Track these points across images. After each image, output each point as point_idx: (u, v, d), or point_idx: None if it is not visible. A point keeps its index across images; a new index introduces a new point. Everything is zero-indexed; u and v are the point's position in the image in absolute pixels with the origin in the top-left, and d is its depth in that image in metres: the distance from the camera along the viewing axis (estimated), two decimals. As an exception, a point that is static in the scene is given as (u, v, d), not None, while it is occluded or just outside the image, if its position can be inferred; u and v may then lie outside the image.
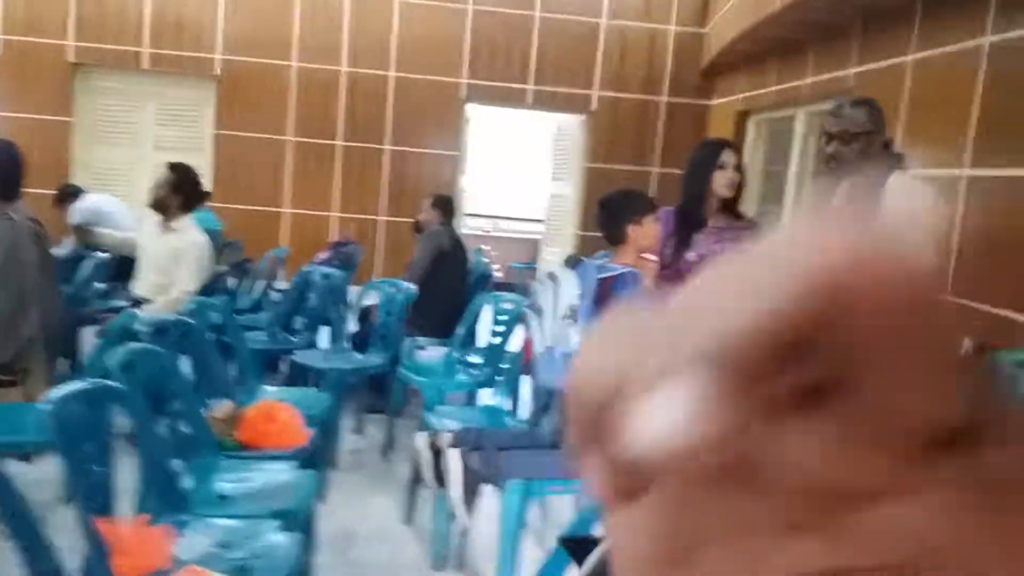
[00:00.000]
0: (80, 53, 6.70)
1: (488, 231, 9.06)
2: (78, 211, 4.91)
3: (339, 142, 6.96)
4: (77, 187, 5.45)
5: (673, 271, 2.61)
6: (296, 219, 7.05)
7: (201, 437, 2.37)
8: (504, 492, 2.17)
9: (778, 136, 6.06)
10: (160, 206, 3.30)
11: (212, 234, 5.76)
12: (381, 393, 3.82)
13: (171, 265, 3.23)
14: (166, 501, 1.96)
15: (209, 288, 4.24)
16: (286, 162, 6.96)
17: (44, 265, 2.75)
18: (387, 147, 7.03)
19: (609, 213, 2.54)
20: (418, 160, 7.05)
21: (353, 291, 4.30)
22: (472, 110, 7.14)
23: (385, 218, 7.11)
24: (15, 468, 2.02)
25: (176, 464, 2.16)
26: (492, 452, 2.23)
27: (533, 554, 2.34)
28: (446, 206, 4.43)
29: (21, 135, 4.41)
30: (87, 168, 6.80)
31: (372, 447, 3.58)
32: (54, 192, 5.45)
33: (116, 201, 5.27)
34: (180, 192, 3.25)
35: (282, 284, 5.19)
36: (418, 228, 4.58)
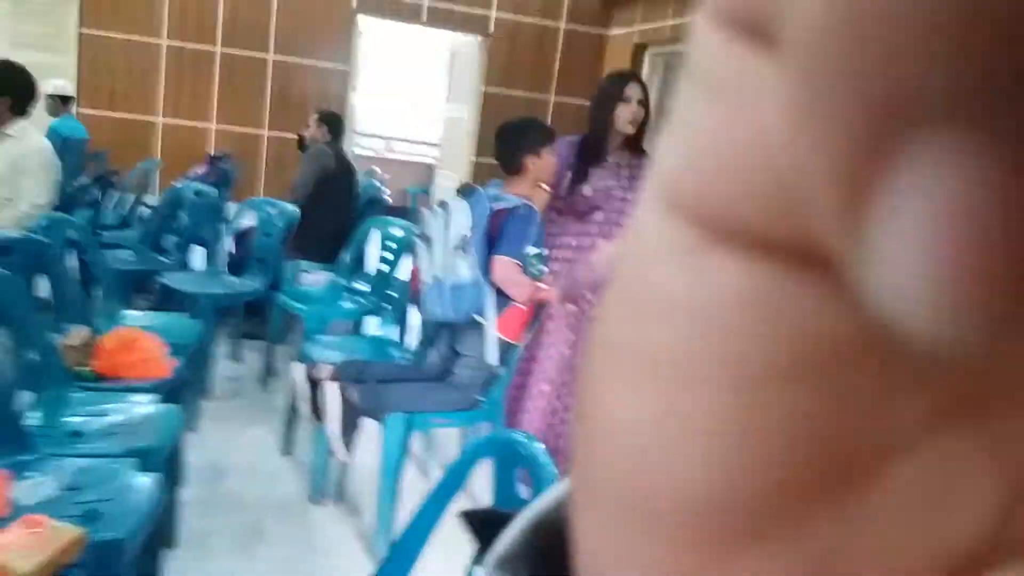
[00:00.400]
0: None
1: (380, 152, 8.76)
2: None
3: (219, 48, 6.47)
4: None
5: (567, 204, 2.54)
6: (170, 130, 6.56)
7: (51, 367, 2.16)
8: (385, 426, 2.09)
9: (674, 71, 6.05)
10: None
11: (76, 143, 5.28)
12: (260, 319, 3.63)
13: (12, 176, 2.89)
14: (5, 439, 1.77)
15: (70, 202, 3.88)
16: (160, 67, 6.42)
17: None
18: (272, 56, 6.59)
19: (506, 142, 2.44)
20: (305, 72, 6.66)
21: (231, 210, 4.04)
22: (365, 23, 6.77)
23: (268, 133, 6.72)
24: None
25: (20, 397, 1.95)
26: (373, 385, 2.13)
27: (416, 486, 2.29)
28: (333, 123, 4.18)
29: None
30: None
31: (250, 375, 3.41)
32: None
33: None
34: (8, 94, 2.87)
35: (153, 200, 4.83)
36: (302, 145, 4.32)
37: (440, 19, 6.81)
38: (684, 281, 0.09)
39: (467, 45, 7.05)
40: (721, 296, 0.08)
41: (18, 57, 4.36)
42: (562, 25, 6.97)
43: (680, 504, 0.09)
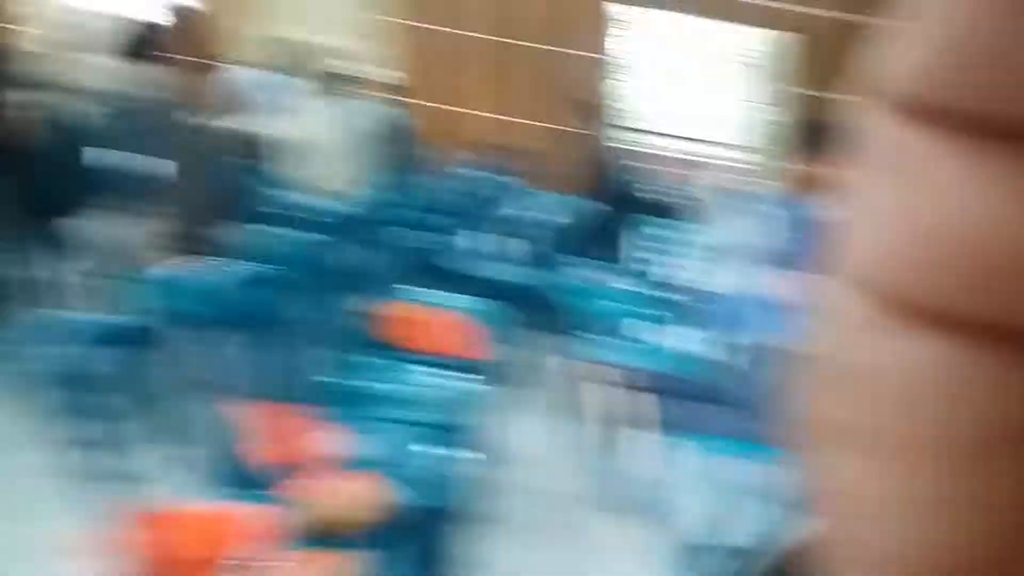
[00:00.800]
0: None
1: (668, 150, 8.62)
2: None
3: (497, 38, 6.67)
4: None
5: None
6: (476, 120, 6.92)
7: (369, 334, 2.34)
8: (686, 445, 2.03)
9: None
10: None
11: (403, 129, 5.77)
12: (552, 313, 3.70)
13: (338, 152, 3.15)
14: (324, 396, 1.94)
15: (391, 181, 4.25)
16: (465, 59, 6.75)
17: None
18: (542, 46, 6.55)
19: (812, 147, 2.25)
20: (566, 61, 6.56)
21: (519, 201, 4.18)
22: (636, 12, 6.59)
23: (537, 123, 6.81)
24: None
25: (340, 359, 2.13)
26: (677, 401, 2.08)
27: (720, 510, 2.18)
28: (592, 113, 4.11)
29: None
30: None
31: (544, 367, 3.49)
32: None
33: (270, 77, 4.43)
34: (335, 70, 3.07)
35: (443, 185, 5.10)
36: (579, 138, 4.31)
37: (739, 14, 6.51)
38: (882, 357, 0.09)
39: (773, 41, 6.71)
40: (923, 373, 0.09)
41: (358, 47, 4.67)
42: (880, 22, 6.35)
43: (907, 568, 0.09)
